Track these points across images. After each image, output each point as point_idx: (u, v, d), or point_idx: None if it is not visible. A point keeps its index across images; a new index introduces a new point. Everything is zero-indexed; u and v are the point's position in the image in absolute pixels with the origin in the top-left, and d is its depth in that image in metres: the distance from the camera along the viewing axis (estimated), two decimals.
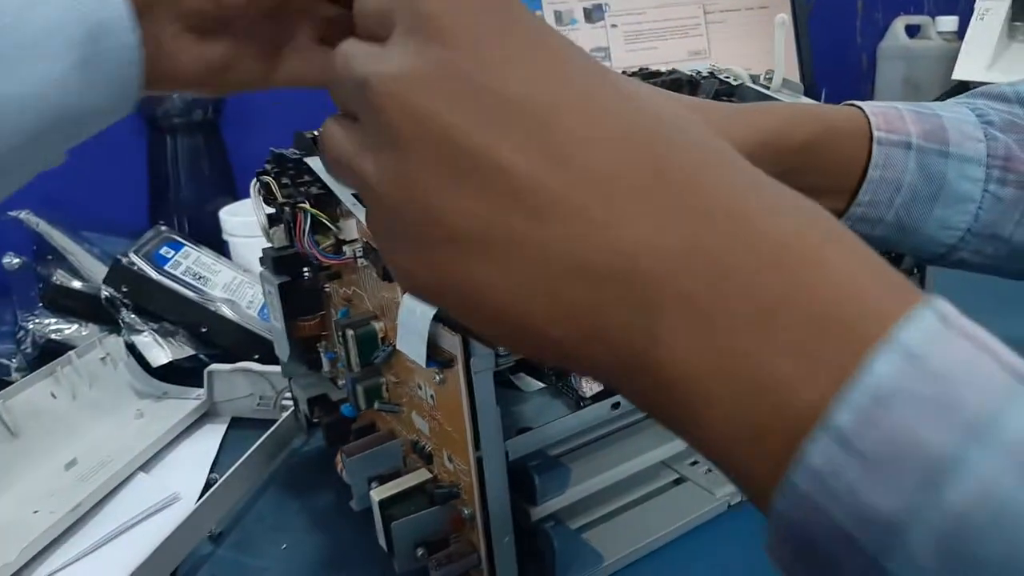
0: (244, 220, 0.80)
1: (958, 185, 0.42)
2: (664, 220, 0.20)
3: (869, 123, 0.42)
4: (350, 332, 0.46)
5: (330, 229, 0.48)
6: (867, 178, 0.42)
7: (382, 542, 0.43)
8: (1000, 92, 0.46)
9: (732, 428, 0.19)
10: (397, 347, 0.41)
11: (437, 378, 0.40)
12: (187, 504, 0.55)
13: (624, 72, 0.62)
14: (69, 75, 0.27)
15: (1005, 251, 0.44)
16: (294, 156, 0.50)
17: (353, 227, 0.47)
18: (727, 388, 0.19)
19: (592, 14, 1.03)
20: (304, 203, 0.47)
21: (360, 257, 0.46)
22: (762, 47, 1.10)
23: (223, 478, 0.53)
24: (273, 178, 0.50)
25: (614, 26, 1.04)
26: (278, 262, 0.54)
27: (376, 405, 0.48)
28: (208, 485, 0.57)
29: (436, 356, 0.39)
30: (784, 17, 0.55)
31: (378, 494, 0.43)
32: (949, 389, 0.17)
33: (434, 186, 0.22)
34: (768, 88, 0.59)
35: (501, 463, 0.41)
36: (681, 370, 0.20)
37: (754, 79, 0.60)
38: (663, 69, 0.63)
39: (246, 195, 0.89)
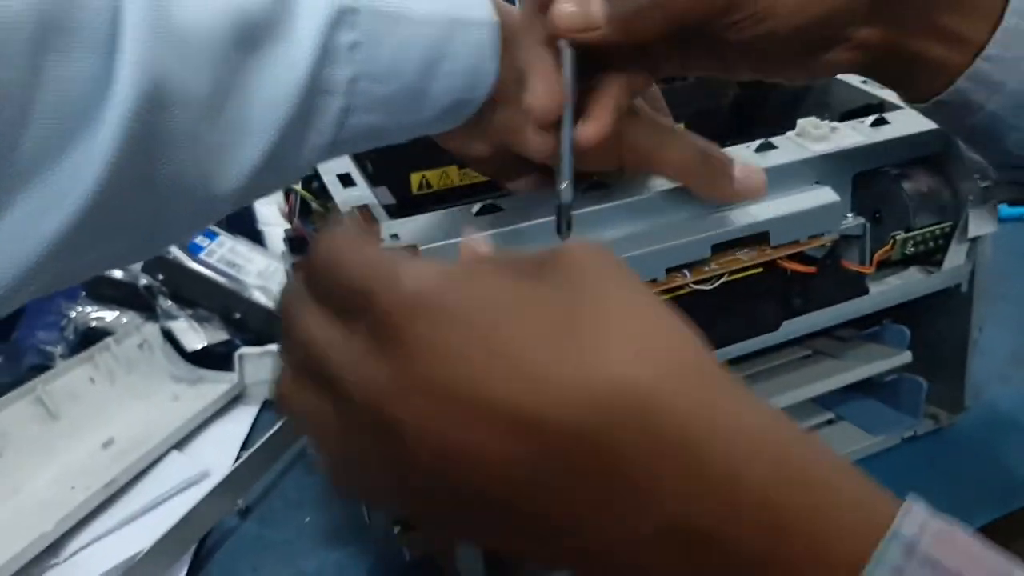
0: (274, 210, 0.82)
1: None
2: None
3: None
4: None
5: (320, 210, 0.48)
6: (1002, 26, 0.35)
7: (365, 517, 0.44)
8: None
9: None
10: None
11: None
12: (215, 480, 0.57)
13: None
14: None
15: None
16: None
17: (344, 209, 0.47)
18: None
19: None
20: (296, 184, 0.48)
21: None
22: None
23: (248, 453, 0.54)
24: None
25: None
26: (293, 243, 0.54)
27: None
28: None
29: None
30: None
31: None
32: None
33: (427, 403, 0.21)
34: None
35: None
36: None
37: None
38: None
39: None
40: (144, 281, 0.73)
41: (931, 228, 0.49)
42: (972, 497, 0.49)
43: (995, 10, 0.36)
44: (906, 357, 0.52)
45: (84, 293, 0.76)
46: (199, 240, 0.77)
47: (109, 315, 0.74)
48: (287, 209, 0.50)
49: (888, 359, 0.52)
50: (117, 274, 0.77)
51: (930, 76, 0.38)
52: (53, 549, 0.51)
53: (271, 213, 0.82)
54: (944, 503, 0.52)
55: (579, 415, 0.20)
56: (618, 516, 0.20)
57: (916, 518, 0.20)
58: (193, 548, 0.50)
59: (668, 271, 0.42)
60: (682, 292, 0.43)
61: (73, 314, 0.73)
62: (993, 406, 0.57)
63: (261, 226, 0.85)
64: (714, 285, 0.43)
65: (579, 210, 0.41)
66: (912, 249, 0.49)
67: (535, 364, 0.20)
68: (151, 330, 0.72)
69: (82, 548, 0.52)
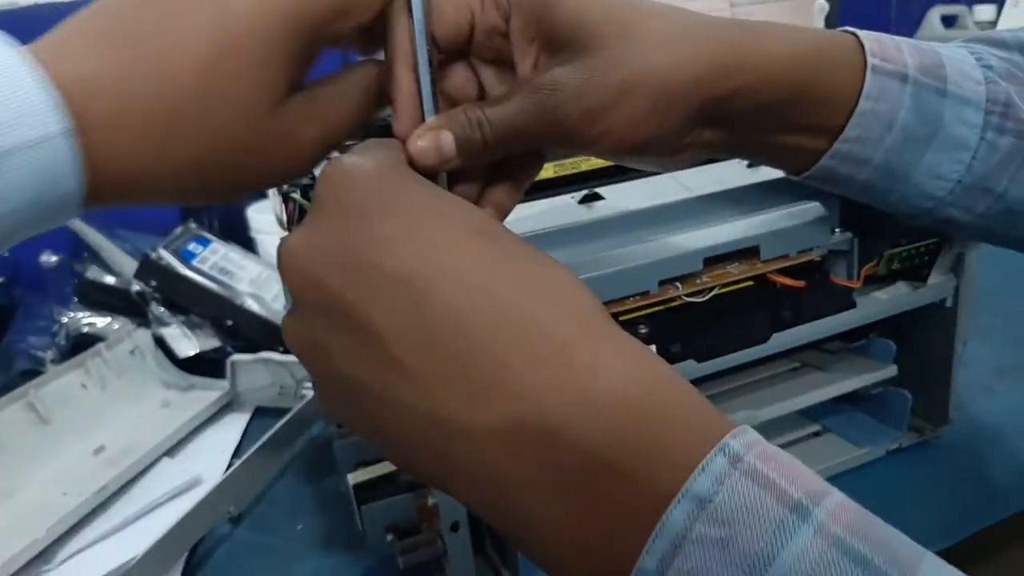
0: (270, 218, 0.82)
1: (954, 129, 0.38)
2: (482, 398, 0.23)
3: (863, 49, 0.37)
4: None
5: None
6: (858, 110, 0.36)
7: (358, 524, 0.44)
8: (1000, 38, 0.42)
9: None
10: None
11: None
12: (209, 488, 0.57)
13: None
14: None
15: (997, 209, 0.40)
16: None
17: None
18: (568, 548, 0.23)
19: None
20: (295, 193, 0.48)
21: None
22: (783, 9, 1.09)
23: (241, 460, 0.54)
24: None
25: None
26: None
27: None
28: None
29: None
30: (823, 3, 0.54)
31: (354, 478, 0.45)
32: (731, 531, 0.20)
33: (322, 335, 0.25)
34: None
35: None
36: (531, 522, 0.23)
37: None
38: None
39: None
40: (136, 287, 0.73)
41: (917, 244, 0.50)
42: (956, 509, 0.50)
43: (849, 99, 0.36)
44: (892, 370, 0.53)
45: (76, 299, 0.76)
46: (192, 247, 0.77)
47: (101, 321, 0.74)
48: (284, 217, 0.50)
49: (874, 372, 0.53)
50: (109, 280, 0.77)
51: (793, 159, 0.38)
52: (45, 555, 0.51)
53: (264, 221, 0.83)
54: (928, 515, 0.53)
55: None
56: (467, 397, 0.23)
57: (746, 438, 0.22)
58: (185, 555, 0.50)
59: (661, 283, 0.42)
60: (675, 304, 0.44)
61: (65, 320, 0.73)
62: (977, 419, 0.58)
63: (254, 233, 0.85)
64: (706, 298, 0.44)
65: (574, 222, 0.42)
66: (898, 264, 0.50)
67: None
68: (143, 336, 0.72)
69: (74, 554, 0.52)
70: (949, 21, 1.25)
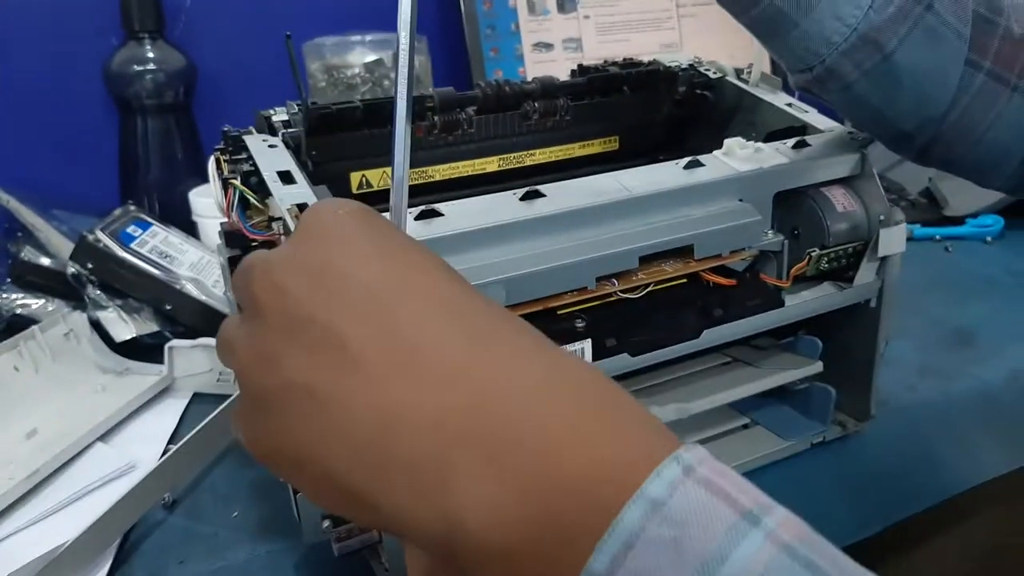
0: (210, 202, 0.81)
1: None
2: (447, 398, 0.23)
3: None
4: None
5: (258, 206, 0.49)
6: None
7: (295, 512, 0.44)
8: None
9: None
10: None
11: None
12: (144, 473, 0.56)
13: (605, 62, 0.63)
14: None
15: (882, 71, 0.42)
16: (234, 133, 0.51)
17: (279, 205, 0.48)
18: (513, 545, 0.22)
19: (565, 4, 1.04)
20: (235, 179, 0.48)
21: (283, 234, 0.47)
22: (734, 42, 1.11)
23: (177, 446, 0.54)
24: (222, 154, 0.51)
25: (587, 17, 1.05)
26: (229, 236, 0.55)
27: None
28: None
29: None
30: None
31: None
32: (684, 532, 0.20)
33: (276, 344, 0.26)
34: (747, 83, 0.60)
35: None
36: (473, 520, 0.22)
37: (738, 72, 0.61)
38: (644, 60, 0.64)
39: None
40: (72, 269, 0.72)
41: (844, 246, 0.52)
42: (875, 501, 0.52)
43: None
44: (817, 367, 0.55)
45: (9, 280, 0.75)
46: (131, 230, 0.76)
47: (35, 303, 0.73)
48: (224, 203, 0.50)
49: (800, 368, 0.55)
50: (44, 261, 0.76)
51: None
52: None
53: (206, 205, 0.82)
54: (849, 506, 0.55)
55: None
56: (423, 391, 0.24)
57: (697, 453, 0.22)
58: (118, 540, 0.49)
59: (598, 280, 0.44)
60: (611, 300, 0.45)
61: None
62: (899, 415, 0.60)
63: (195, 217, 0.84)
64: (640, 294, 0.45)
65: (515, 218, 0.42)
66: (826, 265, 0.52)
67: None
68: (78, 319, 0.71)
69: (4, 538, 0.51)
70: None
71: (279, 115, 0.53)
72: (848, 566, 0.20)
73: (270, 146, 0.49)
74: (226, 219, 0.55)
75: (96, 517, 0.47)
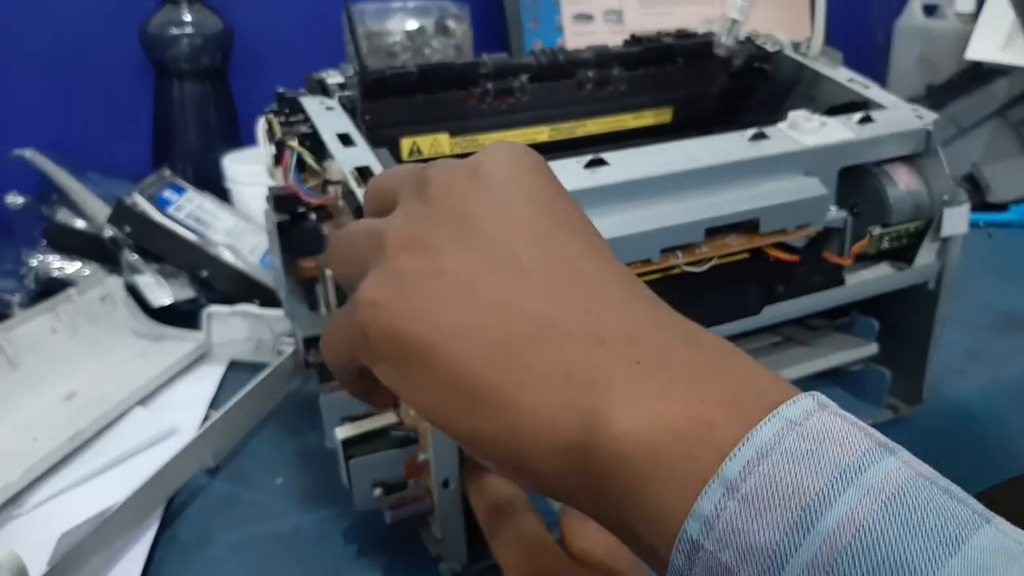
0: (247, 168, 0.80)
1: None
2: (608, 319, 0.24)
3: None
4: (328, 271, 0.46)
5: (316, 169, 0.48)
6: None
7: (344, 480, 0.44)
8: None
9: (667, 496, 0.21)
10: None
11: None
12: (183, 438, 0.56)
13: (657, 33, 0.62)
14: None
15: None
16: (291, 95, 0.50)
17: (337, 168, 0.47)
18: (665, 450, 0.21)
19: None
20: (293, 141, 0.47)
21: (340, 198, 0.46)
22: (776, 17, 1.09)
23: (221, 411, 0.53)
24: (275, 116, 0.50)
25: None
26: (279, 200, 0.54)
27: None
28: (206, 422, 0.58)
29: None
30: None
31: (342, 432, 0.44)
32: (821, 446, 0.20)
33: (440, 232, 0.26)
34: (806, 56, 0.59)
35: None
36: (625, 435, 0.22)
37: (795, 46, 0.60)
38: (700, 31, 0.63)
39: (250, 143, 0.89)
40: (109, 233, 0.71)
41: (906, 225, 0.51)
42: None
43: None
44: (873, 348, 0.54)
45: (44, 242, 0.74)
46: (166, 194, 0.75)
47: (71, 266, 0.72)
48: (274, 165, 0.49)
49: (856, 349, 0.54)
50: (79, 224, 0.75)
51: None
52: (16, 500, 0.50)
53: (241, 171, 0.81)
54: None
55: None
56: (578, 310, 0.24)
57: (823, 398, 0.22)
58: (164, 504, 0.49)
59: (663, 251, 0.43)
60: (674, 272, 0.44)
61: (34, 263, 0.71)
62: (948, 400, 0.59)
63: (228, 183, 0.83)
64: (705, 268, 0.44)
65: (581, 186, 0.41)
66: (887, 244, 0.51)
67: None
68: (114, 283, 0.70)
69: (46, 500, 0.51)
70: (930, 10, 1.26)
71: (333, 77, 0.51)
72: (978, 507, 0.20)
73: (327, 108, 0.48)
74: (274, 182, 0.54)
75: (142, 479, 0.47)
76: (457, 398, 0.24)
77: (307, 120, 0.47)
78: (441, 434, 0.40)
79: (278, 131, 0.49)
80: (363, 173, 0.42)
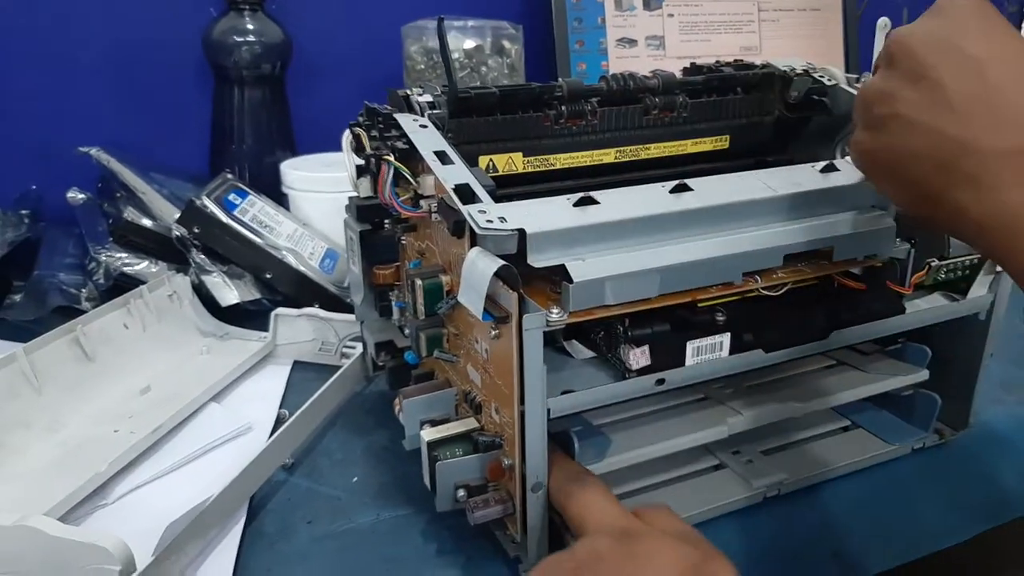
0: (304, 175, 0.83)
1: None
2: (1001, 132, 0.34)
3: None
4: (419, 282, 0.48)
5: (410, 183, 0.50)
6: None
7: (427, 481, 0.46)
8: None
9: None
10: (459, 300, 0.43)
11: (492, 333, 0.42)
12: (259, 434, 0.58)
13: (717, 62, 0.64)
14: None
15: None
16: (384, 111, 0.52)
17: (431, 183, 0.49)
18: None
19: (650, 2, 1.05)
20: (389, 155, 0.49)
21: (434, 212, 0.48)
22: (812, 48, 1.12)
23: (297, 412, 0.55)
24: (364, 130, 0.52)
25: (671, 16, 1.06)
26: (361, 210, 0.56)
27: (436, 353, 0.50)
28: (279, 419, 0.60)
29: (493, 311, 0.41)
30: (886, 20, 0.57)
31: (428, 435, 0.46)
32: None
33: (897, 88, 0.37)
34: None
35: (542, 419, 0.42)
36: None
37: (849, 80, 0.62)
38: (757, 63, 0.65)
39: (305, 150, 0.91)
40: (177, 232, 0.73)
41: (963, 258, 0.53)
42: (969, 506, 0.54)
43: None
44: (924, 375, 0.56)
45: (111, 239, 0.76)
46: (232, 197, 0.77)
47: (139, 263, 0.74)
48: (379, 179, 0.51)
49: (908, 375, 0.56)
50: (146, 222, 0.77)
51: None
52: (101, 491, 0.52)
53: (298, 178, 0.83)
54: (945, 511, 0.56)
55: None
56: (991, 129, 0.34)
57: None
58: (249, 499, 0.51)
59: (744, 275, 0.45)
60: (748, 295, 0.46)
61: (103, 259, 0.73)
62: (987, 426, 0.61)
63: (285, 189, 0.85)
64: (780, 292, 0.47)
65: (666, 210, 0.44)
66: (944, 276, 0.53)
67: None
68: (181, 282, 0.72)
69: (130, 491, 0.53)
70: None
71: (422, 96, 0.54)
72: None
73: (421, 126, 0.50)
74: (355, 192, 0.57)
75: (228, 474, 0.49)
76: (915, 195, 0.37)
77: (402, 136, 0.50)
78: (531, 441, 0.43)
79: (367, 144, 0.51)
80: (461, 190, 0.45)
